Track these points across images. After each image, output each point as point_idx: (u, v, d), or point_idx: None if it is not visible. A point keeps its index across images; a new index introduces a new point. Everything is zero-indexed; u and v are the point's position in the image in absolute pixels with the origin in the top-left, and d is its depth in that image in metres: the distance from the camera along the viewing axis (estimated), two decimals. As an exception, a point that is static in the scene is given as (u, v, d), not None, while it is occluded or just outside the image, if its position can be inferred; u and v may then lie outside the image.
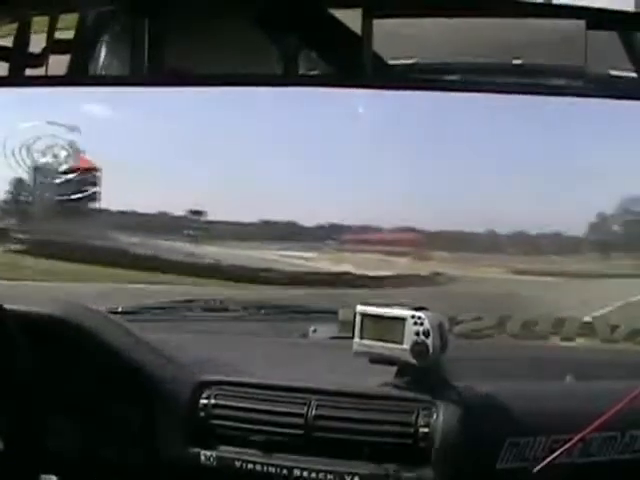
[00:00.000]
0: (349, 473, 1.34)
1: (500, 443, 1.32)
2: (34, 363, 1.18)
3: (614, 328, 1.80)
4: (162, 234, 4.54)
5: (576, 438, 1.29)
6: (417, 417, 1.34)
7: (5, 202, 3.90)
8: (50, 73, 1.37)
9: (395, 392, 1.38)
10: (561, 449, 1.29)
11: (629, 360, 1.75)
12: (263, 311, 2.07)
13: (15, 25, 1.35)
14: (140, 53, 1.29)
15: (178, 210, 4.08)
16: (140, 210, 4.16)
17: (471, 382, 1.40)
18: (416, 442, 1.33)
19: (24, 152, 1.68)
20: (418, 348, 1.34)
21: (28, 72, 1.34)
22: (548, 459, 1.29)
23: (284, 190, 4.03)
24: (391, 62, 1.21)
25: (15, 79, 1.32)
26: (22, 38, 1.32)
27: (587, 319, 1.83)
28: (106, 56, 1.45)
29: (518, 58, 1.15)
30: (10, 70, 1.32)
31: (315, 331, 1.82)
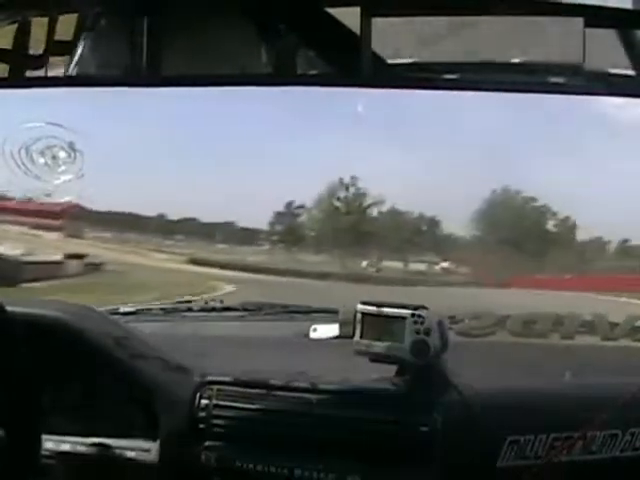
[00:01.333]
0: (349, 473, 1.34)
1: (501, 441, 1.32)
2: (34, 363, 1.18)
3: (614, 326, 1.79)
4: None
5: (577, 436, 1.29)
6: (417, 417, 1.34)
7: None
8: (49, 74, 1.37)
9: (395, 391, 1.38)
10: (562, 447, 1.29)
11: (629, 358, 1.75)
12: (263, 311, 2.07)
13: (14, 26, 1.36)
14: (139, 53, 1.29)
15: None
16: None
17: (471, 381, 1.40)
18: (416, 442, 1.33)
19: (23, 153, 1.68)
20: (418, 347, 1.34)
21: (27, 73, 1.34)
22: (549, 457, 1.29)
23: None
24: (390, 61, 1.21)
25: (14, 81, 1.33)
26: (22, 39, 1.32)
27: (588, 318, 1.83)
28: (105, 57, 1.45)
29: (517, 56, 1.15)
30: (9, 71, 1.32)
31: (315, 331, 1.82)
